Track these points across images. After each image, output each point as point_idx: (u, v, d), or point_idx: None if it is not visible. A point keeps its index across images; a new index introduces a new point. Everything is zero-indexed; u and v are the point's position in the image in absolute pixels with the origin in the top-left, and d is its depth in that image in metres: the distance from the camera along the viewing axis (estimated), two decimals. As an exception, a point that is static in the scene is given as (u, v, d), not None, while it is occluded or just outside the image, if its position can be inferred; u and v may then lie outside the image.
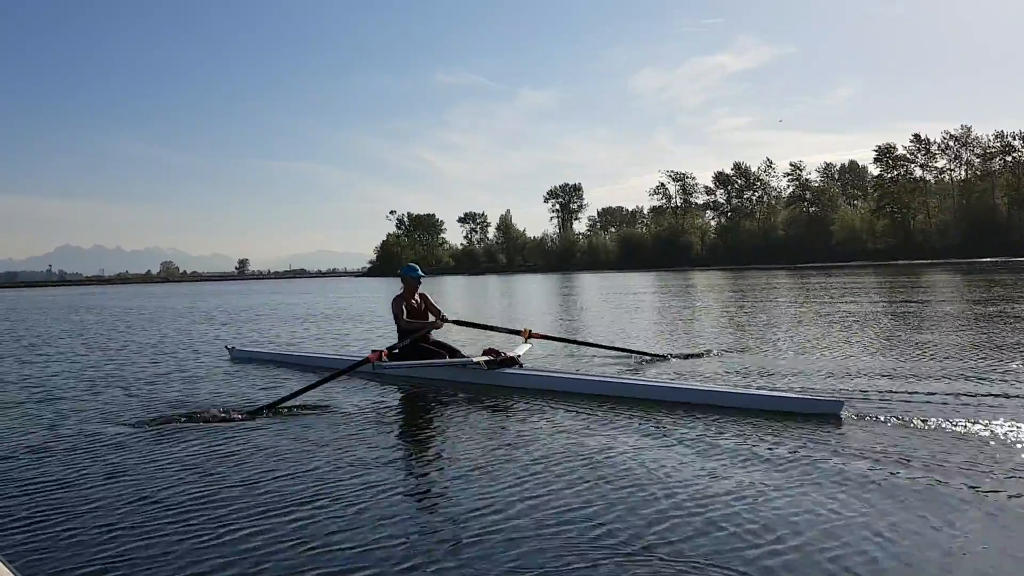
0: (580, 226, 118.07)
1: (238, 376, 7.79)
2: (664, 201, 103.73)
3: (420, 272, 7.41)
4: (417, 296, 7.38)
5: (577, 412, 5.27)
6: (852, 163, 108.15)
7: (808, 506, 3.16)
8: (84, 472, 4.04)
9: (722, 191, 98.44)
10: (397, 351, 6.79)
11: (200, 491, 3.61)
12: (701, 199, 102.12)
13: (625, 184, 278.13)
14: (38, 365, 9.43)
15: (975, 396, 5.31)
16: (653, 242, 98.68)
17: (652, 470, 3.76)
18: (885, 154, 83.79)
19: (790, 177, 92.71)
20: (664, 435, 4.52)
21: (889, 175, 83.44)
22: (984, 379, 5.96)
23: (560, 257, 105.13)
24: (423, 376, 6.92)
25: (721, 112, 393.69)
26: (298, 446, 4.50)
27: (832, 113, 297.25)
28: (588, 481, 3.59)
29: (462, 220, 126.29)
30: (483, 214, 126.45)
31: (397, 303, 7.20)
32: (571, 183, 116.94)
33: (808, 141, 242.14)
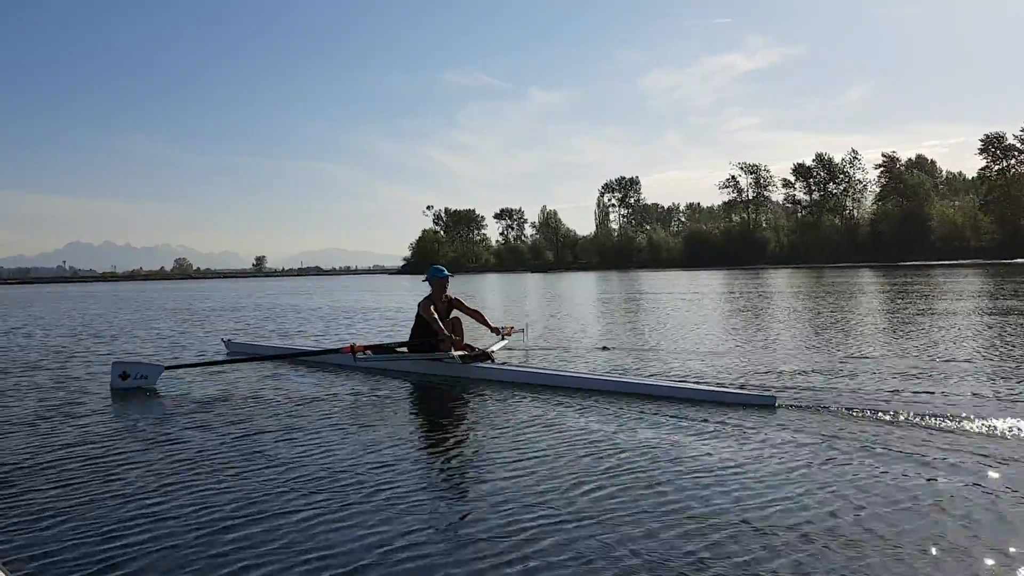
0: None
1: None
2: (735, 195, 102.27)
3: (446, 272, 7.86)
4: (445, 297, 7.77)
5: (541, 402, 5.88)
6: (920, 157, 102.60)
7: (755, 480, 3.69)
8: (68, 464, 4.27)
9: (801, 184, 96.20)
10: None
11: (180, 481, 3.88)
12: (776, 193, 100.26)
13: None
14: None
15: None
16: (723, 238, 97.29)
17: (605, 450, 4.32)
18: (992, 144, 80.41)
19: (882, 169, 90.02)
20: (620, 421, 5.11)
21: (997, 167, 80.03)
22: None
23: (618, 255, 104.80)
24: (400, 369, 7.66)
25: (731, 112, 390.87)
26: (282, 435, 4.92)
27: (844, 114, 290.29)
28: (548, 460, 4.15)
29: (498, 216, 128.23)
30: (520, 210, 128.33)
31: (425, 305, 7.55)
32: (627, 176, 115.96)
33: (819, 142, 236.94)
